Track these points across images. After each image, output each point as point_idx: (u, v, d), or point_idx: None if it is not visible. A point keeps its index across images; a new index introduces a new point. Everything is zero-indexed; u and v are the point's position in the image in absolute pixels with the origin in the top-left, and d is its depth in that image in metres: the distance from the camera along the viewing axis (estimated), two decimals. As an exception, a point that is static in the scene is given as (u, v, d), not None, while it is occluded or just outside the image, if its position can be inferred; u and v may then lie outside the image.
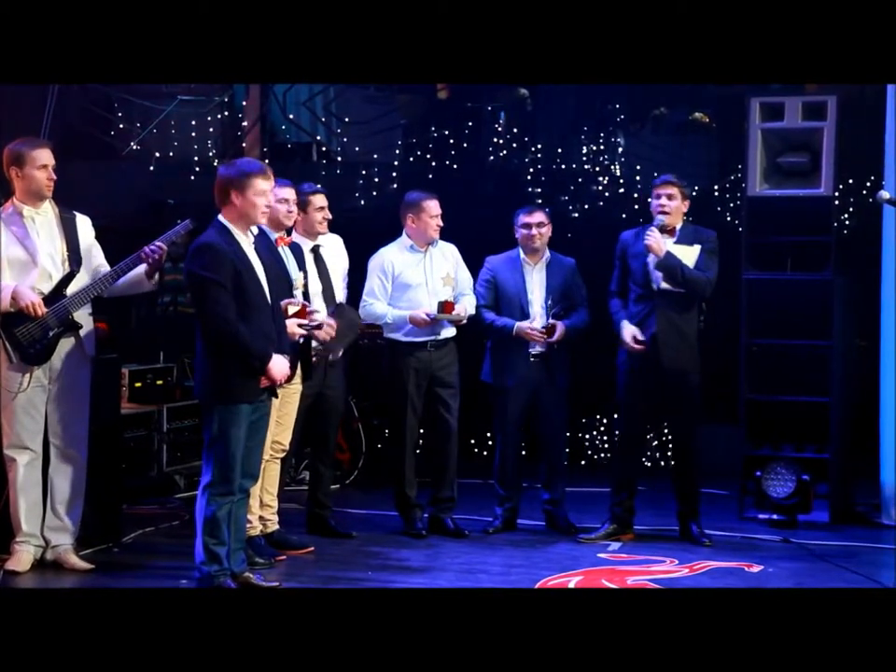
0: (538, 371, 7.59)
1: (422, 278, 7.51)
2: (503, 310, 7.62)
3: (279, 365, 6.09)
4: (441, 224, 7.52)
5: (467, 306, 7.53)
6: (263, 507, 7.00)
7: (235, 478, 6.06)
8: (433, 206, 7.49)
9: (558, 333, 7.49)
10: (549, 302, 7.58)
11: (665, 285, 7.26)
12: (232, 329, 5.92)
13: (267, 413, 6.30)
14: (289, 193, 6.97)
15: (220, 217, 6.05)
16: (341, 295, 7.37)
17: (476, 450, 9.70)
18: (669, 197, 7.29)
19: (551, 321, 7.53)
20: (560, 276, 7.67)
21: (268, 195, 6.10)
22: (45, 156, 6.50)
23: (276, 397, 6.34)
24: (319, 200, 7.24)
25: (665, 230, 7.28)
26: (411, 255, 7.56)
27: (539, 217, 7.63)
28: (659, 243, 7.20)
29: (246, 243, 6.06)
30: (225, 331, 5.92)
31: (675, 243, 7.28)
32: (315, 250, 7.28)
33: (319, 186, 7.38)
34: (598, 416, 10.07)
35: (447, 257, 7.62)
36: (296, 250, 7.05)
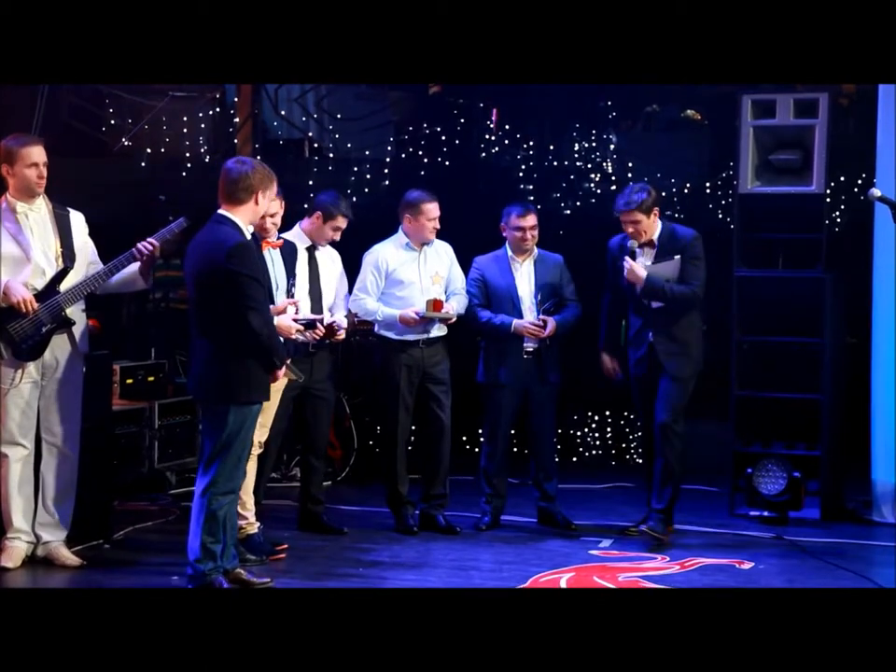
0: (530, 367, 7.60)
1: (416, 276, 7.50)
2: (494, 308, 7.62)
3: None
4: (438, 227, 7.49)
5: (455, 304, 7.51)
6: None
7: (239, 477, 6.09)
8: (432, 209, 7.45)
9: (549, 328, 7.50)
10: (538, 298, 7.59)
11: (656, 304, 7.28)
12: (270, 328, 5.97)
13: None
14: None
15: (232, 216, 5.97)
16: (330, 300, 7.35)
17: (468, 447, 9.69)
18: (634, 223, 7.21)
19: (542, 317, 7.54)
20: (548, 273, 7.67)
21: None
22: (35, 154, 6.46)
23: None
24: (341, 221, 7.24)
25: (643, 246, 7.27)
26: (406, 253, 7.54)
27: (532, 220, 7.58)
28: (636, 273, 7.17)
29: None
30: (262, 330, 5.89)
31: (655, 258, 7.26)
32: (311, 250, 7.28)
33: (344, 205, 7.28)
34: (589, 413, 10.07)
35: (441, 256, 7.61)
36: (287, 252, 7.03)
